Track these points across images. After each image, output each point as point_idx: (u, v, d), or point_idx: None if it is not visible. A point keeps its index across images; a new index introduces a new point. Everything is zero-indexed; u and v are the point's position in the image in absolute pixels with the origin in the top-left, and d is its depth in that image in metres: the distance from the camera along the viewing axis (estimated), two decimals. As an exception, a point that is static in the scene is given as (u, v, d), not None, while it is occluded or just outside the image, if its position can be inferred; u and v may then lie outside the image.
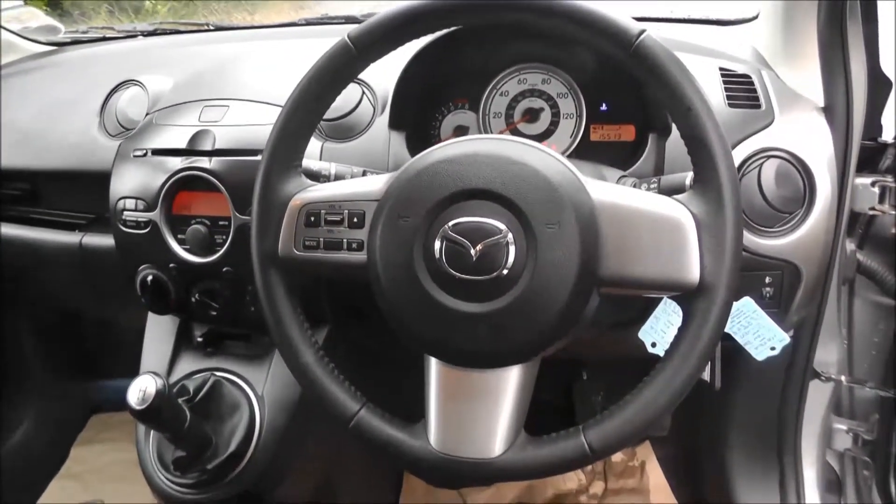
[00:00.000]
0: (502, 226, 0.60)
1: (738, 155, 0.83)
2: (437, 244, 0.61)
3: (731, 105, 0.87)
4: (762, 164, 0.82)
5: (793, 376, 1.14)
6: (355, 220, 0.68)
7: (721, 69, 0.91)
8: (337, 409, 0.69)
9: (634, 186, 0.75)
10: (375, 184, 0.68)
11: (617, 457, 1.60)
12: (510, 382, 0.64)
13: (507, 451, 0.64)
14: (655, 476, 1.58)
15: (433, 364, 0.67)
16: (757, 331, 0.78)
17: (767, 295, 0.86)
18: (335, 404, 0.69)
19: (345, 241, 0.68)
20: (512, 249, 0.60)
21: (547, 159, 0.62)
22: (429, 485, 1.58)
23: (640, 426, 0.61)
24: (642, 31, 0.60)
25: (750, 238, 0.82)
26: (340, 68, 0.69)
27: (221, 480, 0.93)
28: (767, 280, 0.85)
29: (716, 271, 0.59)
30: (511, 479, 0.65)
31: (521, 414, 0.65)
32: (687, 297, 0.60)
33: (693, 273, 0.59)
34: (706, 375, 0.87)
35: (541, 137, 0.97)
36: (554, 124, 0.96)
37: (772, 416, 1.24)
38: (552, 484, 1.60)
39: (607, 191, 0.62)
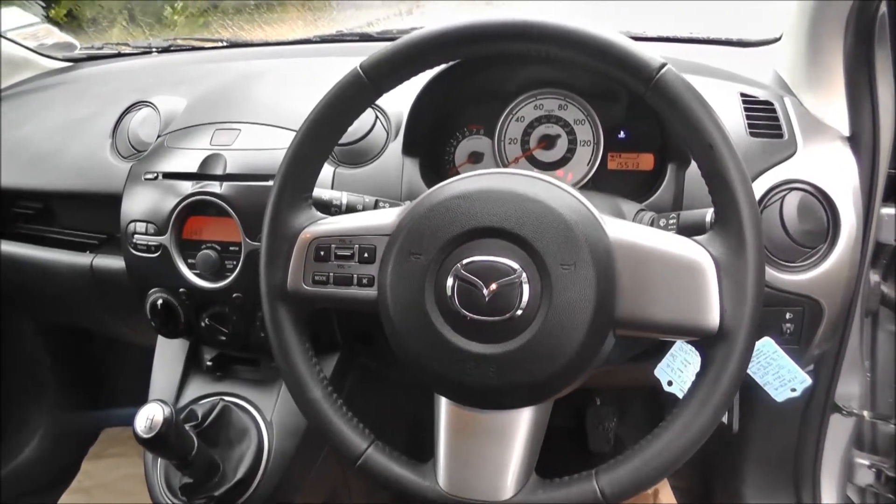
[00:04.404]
0: (516, 265, 0.59)
1: (760, 187, 0.81)
2: (450, 283, 0.60)
3: (752, 134, 0.85)
4: (784, 196, 0.80)
5: (812, 410, 1.11)
6: (366, 255, 0.67)
7: (742, 95, 0.89)
8: (344, 447, 0.68)
9: (653, 222, 0.73)
10: (387, 218, 0.67)
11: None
12: (522, 424, 0.63)
13: (517, 494, 0.63)
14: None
15: (443, 403, 0.66)
16: (777, 372, 0.76)
17: (788, 331, 0.83)
18: (342, 442, 0.68)
19: (355, 276, 0.67)
20: (526, 290, 0.58)
21: (562, 196, 0.61)
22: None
23: (655, 473, 0.59)
24: (663, 65, 0.59)
25: (771, 273, 0.80)
26: (352, 99, 0.68)
27: None
28: (788, 316, 0.82)
29: (736, 317, 0.57)
30: None
31: (533, 456, 0.64)
32: (706, 342, 0.58)
33: (712, 318, 0.57)
34: (724, 417, 0.84)
35: (557, 165, 0.95)
36: (570, 151, 0.94)
37: (789, 450, 1.21)
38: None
39: (625, 229, 0.61)
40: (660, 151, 0.92)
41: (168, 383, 1.04)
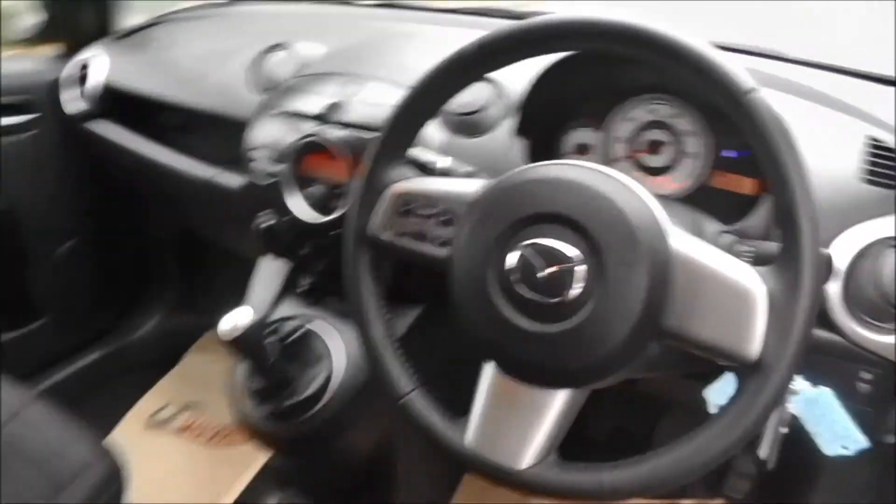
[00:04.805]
0: (575, 255, 0.61)
1: (860, 237, 0.76)
2: (511, 259, 0.63)
3: (868, 181, 0.80)
4: (884, 252, 0.75)
5: (891, 481, 1.05)
6: (445, 217, 0.71)
7: (870, 138, 0.83)
8: (391, 386, 0.74)
9: (731, 245, 0.72)
10: (471, 187, 0.71)
11: (688, 504, 1.56)
12: (554, 404, 0.66)
13: (533, 467, 0.66)
14: (719, 537, 1.51)
15: (488, 368, 0.69)
16: (831, 425, 0.74)
17: (862, 390, 0.79)
18: (390, 380, 0.74)
19: (432, 235, 0.72)
20: (579, 280, 0.61)
21: (635, 200, 0.62)
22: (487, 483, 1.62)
23: (661, 481, 0.60)
24: (753, 89, 0.58)
25: (852, 327, 0.76)
26: (460, 71, 0.73)
27: (291, 419, 1.01)
28: (865, 376, 0.78)
29: (776, 353, 0.57)
30: (529, 492, 0.67)
31: (557, 436, 0.66)
32: (742, 371, 0.59)
33: (752, 348, 0.57)
34: (763, 452, 0.82)
35: (660, 171, 0.94)
36: (675, 161, 0.93)
37: None
38: (614, 514, 1.58)
39: (688, 244, 0.61)
40: (763, 178, 0.89)
41: (263, 298, 1.13)
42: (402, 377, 0.74)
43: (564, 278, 0.61)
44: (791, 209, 0.57)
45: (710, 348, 0.59)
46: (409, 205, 0.73)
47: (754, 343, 0.57)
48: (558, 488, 0.65)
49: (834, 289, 0.76)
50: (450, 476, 1.62)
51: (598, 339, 0.60)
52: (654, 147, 0.95)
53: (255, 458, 1.64)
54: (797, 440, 0.81)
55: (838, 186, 0.80)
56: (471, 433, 0.69)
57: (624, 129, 0.96)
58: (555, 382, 0.65)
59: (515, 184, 0.66)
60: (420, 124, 0.77)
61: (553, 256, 0.61)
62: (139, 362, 1.93)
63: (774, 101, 0.59)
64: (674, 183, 0.94)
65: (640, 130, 0.96)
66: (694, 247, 0.61)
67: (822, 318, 0.77)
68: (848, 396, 0.80)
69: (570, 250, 0.61)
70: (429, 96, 0.75)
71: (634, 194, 0.63)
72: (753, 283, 0.58)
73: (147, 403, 1.87)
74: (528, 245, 0.63)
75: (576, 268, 0.61)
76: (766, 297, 0.58)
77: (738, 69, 0.59)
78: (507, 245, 0.64)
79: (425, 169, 0.85)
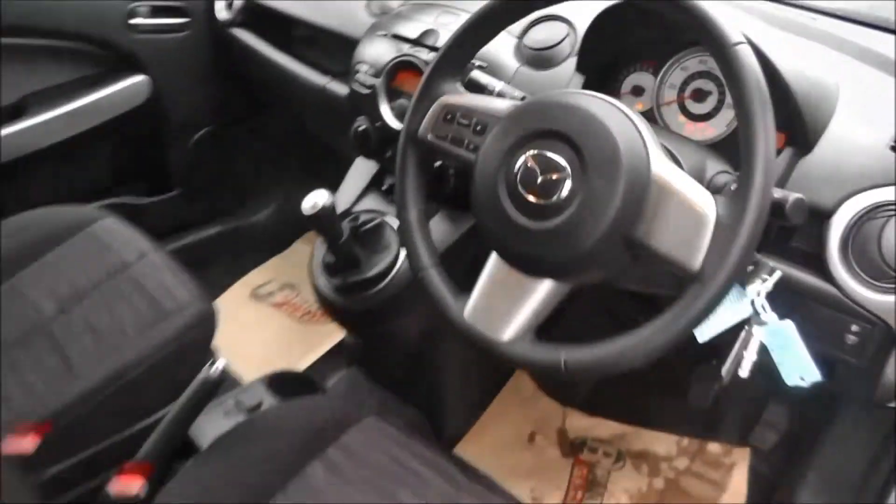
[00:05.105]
0: (566, 166, 0.73)
1: (871, 196, 0.82)
2: (518, 165, 0.76)
3: (893, 147, 0.84)
4: (891, 217, 0.81)
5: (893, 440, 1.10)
6: (479, 128, 0.85)
7: None
8: (414, 258, 0.90)
9: (725, 184, 0.82)
10: (503, 105, 0.85)
11: (714, 447, 1.64)
12: (537, 292, 0.78)
13: (510, 341, 0.79)
14: (738, 479, 1.58)
15: (492, 255, 0.83)
16: (793, 357, 0.81)
17: (850, 342, 0.86)
18: (415, 254, 0.90)
19: (466, 140, 0.86)
20: (567, 186, 0.73)
21: (630, 130, 0.73)
22: (531, 394, 1.78)
23: (607, 367, 0.73)
24: (738, 42, 0.68)
25: (847, 280, 0.83)
26: (508, 6, 0.86)
27: (354, 294, 1.18)
28: (853, 328, 0.85)
29: (713, 268, 0.67)
30: (506, 361, 0.81)
31: (536, 319, 0.79)
32: (686, 281, 0.69)
33: (696, 262, 0.68)
34: (724, 371, 0.86)
35: (702, 118, 1.03)
36: (716, 110, 1.02)
37: (860, 470, 1.22)
38: (643, 440, 1.69)
39: (667, 171, 0.72)
40: (791, 134, 0.95)
41: (351, 191, 1.33)
42: (425, 254, 0.89)
43: (555, 185, 0.74)
44: (750, 151, 0.67)
45: (666, 259, 0.70)
46: (452, 114, 0.88)
47: (698, 257, 0.68)
48: (526, 360, 0.79)
49: (833, 243, 0.84)
50: (494, 377, 1.78)
51: (574, 238, 0.73)
52: (700, 95, 1.03)
53: (332, 337, 1.88)
54: (821, 399, 0.86)
55: (868, 151, 0.86)
56: (468, 308, 0.84)
57: (677, 77, 1.06)
58: (538, 272, 0.78)
59: (535, 105, 0.80)
60: (473, 49, 0.91)
61: (549, 165, 0.74)
62: (252, 243, 2.20)
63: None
64: (712, 129, 1.02)
65: (690, 79, 1.04)
66: (671, 173, 0.72)
67: (820, 268, 0.85)
68: (835, 346, 0.87)
69: (564, 162, 0.74)
70: (483, 25, 0.89)
71: (632, 125, 0.74)
72: (710, 208, 0.69)
73: (254, 276, 2.15)
74: (532, 154, 0.76)
75: (565, 177, 0.73)
76: (715, 222, 0.68)
77: (727, 22, 0.69)
78: (518, 153, 0.77)
79: (483, 90, 0.99)
